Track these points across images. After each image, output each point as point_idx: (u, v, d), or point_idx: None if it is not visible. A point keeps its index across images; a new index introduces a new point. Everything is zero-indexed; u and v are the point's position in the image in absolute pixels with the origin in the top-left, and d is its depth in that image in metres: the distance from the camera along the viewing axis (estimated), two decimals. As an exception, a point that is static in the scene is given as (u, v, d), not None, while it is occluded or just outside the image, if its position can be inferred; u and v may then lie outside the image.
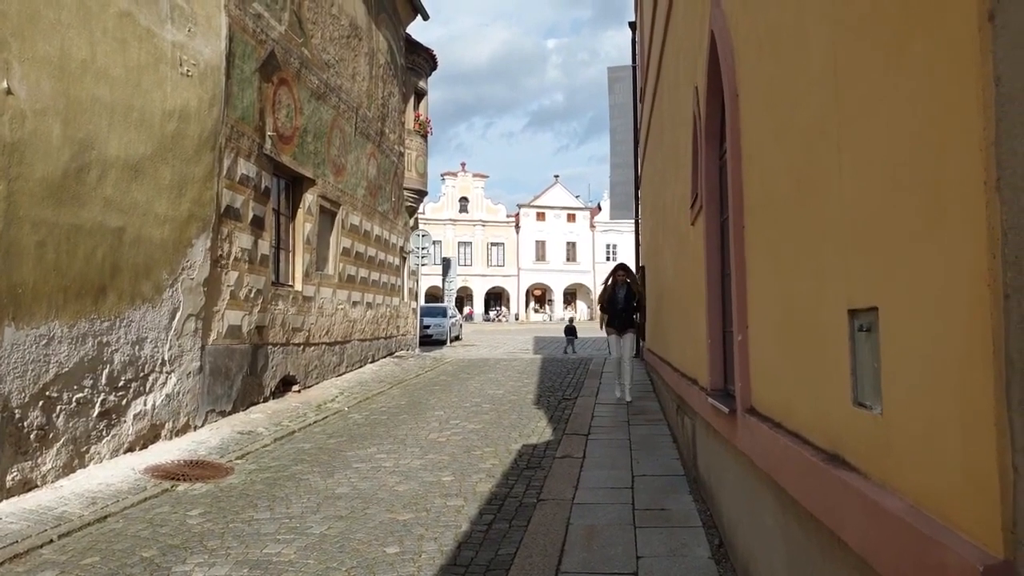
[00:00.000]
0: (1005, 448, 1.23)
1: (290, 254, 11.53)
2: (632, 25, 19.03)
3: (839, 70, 2.03)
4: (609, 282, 10.60)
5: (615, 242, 59.04)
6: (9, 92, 5.48)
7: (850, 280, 1.99)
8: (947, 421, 1.44)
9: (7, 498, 5.44)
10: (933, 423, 1.50)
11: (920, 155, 1.52)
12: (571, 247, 61.72)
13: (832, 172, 2.12)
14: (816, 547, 2.37)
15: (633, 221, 20.07)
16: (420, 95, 19.68)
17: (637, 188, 18.17)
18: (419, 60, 19.26)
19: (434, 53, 19.77)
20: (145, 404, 7.30)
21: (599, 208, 60.92)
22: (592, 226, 61.59)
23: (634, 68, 18.64)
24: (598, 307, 10.96)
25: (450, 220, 58.34)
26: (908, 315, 1.62)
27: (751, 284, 3.50)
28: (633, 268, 19.54)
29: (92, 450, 6.49)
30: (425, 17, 18.69)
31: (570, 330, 23.29)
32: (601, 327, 11.22)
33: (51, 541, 4.76)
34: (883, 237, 1.74)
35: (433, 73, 20.40)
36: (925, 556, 1.46)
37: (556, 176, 65.11)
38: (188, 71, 7.97)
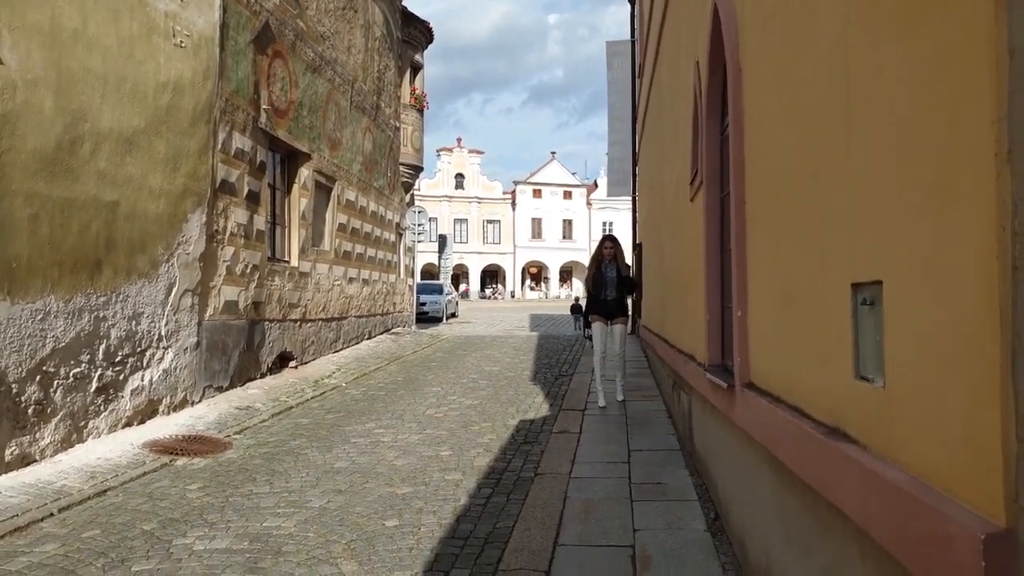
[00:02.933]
0: (1009, 419, 1.23)
1: (286, 230, 11.49)
2: (630, -1, 18.84)
3: (849, 42, 2.02)
4: (596, 258, 8.59)
5: (612, 219, 58.89)
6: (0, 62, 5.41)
7: (854, 254, 1.99)
8: (951, 393, 1.44)
9: (6, 472, 5.45)
10: (937, 395, 1.51)
11: (930, 127, 1.52)
12: (567, 224, 61.61)
13: (839, 146, 2.11)
14: (813, 519, 2.39)
15: (630, 198, 20.02)
16: (416, 69, 19.52)
17: (635, 165, 18.11)
18: (415, 33, 19.08)
19: (430, 26, 19.59)
20: (142, 379, 7.30)
21: (596, 185, 60.74)
22: (589, 203, 61.45)
23: (633, 43, 18.49)
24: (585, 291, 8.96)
25: (446, 197, 58.12)
26: (913, 289, 1.62)
27: (751, 260, 3.50)
28: (629, 245, 19.46)
29: (90, 425, 6.50)
30: (421, -10, 18.48)
31: (577, 308, 23.37)
32: (578, 314, 9.50)
33: (52, 515, 4.78)
34: (890, 211, 1.73)
35: (430, 47, 20.23)
36: (927, 526, 1.47)
37: (553, 153, 64.76)
38: (181, 42, 7.87)
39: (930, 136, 1.51)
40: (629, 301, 9.67)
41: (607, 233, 9.29)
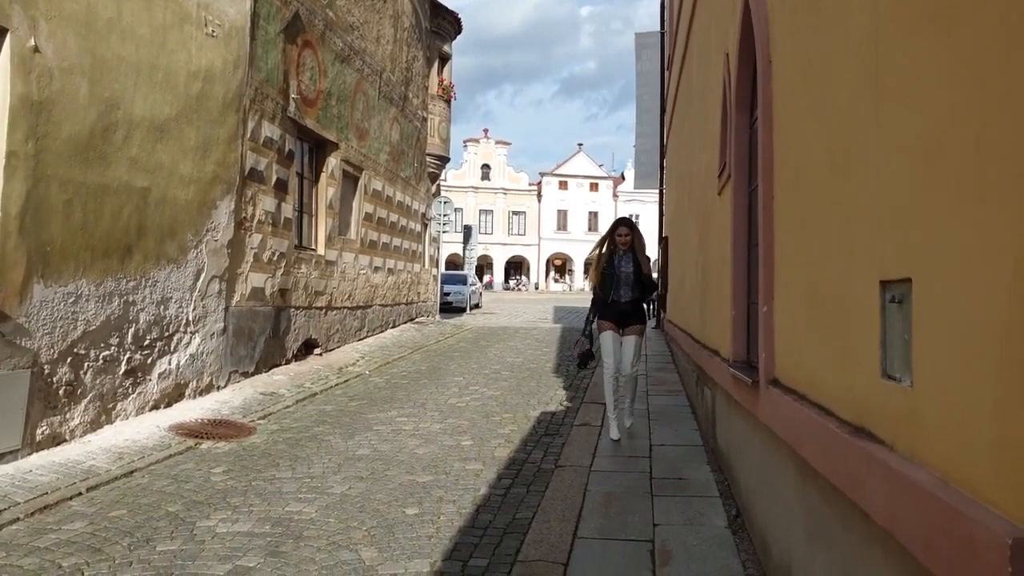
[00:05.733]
0: (1041, 422, 1.20)
1: (313, 218, 11.57)
2: (661, -9, 18.66)
3: (881, 35, 1.97)
4: (604, 248, 6.49)
5: (638, 212, 58.38)
6: (36, 50, 5.49)
7: (883, 251, 1.96)
8: (981, 394, 1.41)
9: (37, 451, 5.57)
10: (966, 396, 1.48)
11: (965, 124, 1.48)
12: (593, 216, 61.35)
13: (869, 141, 2.07)
14: (837, 518, 2.36)
15: (657, 191, 19.90)
16: (444, 59, 19.52)
17: (662, 158, 17.98)
18: (444, 24, 19.08)
19: (459, 16, 19.57)
20: (170, 363, 7.41)
21: (622, 178, 60.43)
22: (615, 196, 61.14)
23: (663, 35, 18.33)
24: (592, 290, 6.75)
25: (472, 187, 58.15)
26: (944, 287, 1.58)
27: (778, 255, 3.46)
28: (655, 238, 19.21)
29: (118, 407, 6.62)
30: (451, -20, 18.47)
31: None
32: (590, 321, 6.74)
33: (80, 494, 4.88)
34: (920, 207, 1.70)
35: (459, 38, 20.24)
36: (952, 528, 1.44)
37: (580, 145, 64.43)
38: (213, 31, 7.94)
39: (965, 130, 1.47)
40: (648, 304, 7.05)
41: (622, 216, 7.07)
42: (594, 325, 6.66)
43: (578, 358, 6.84)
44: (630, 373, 6.34)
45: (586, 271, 61.17)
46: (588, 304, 6.83)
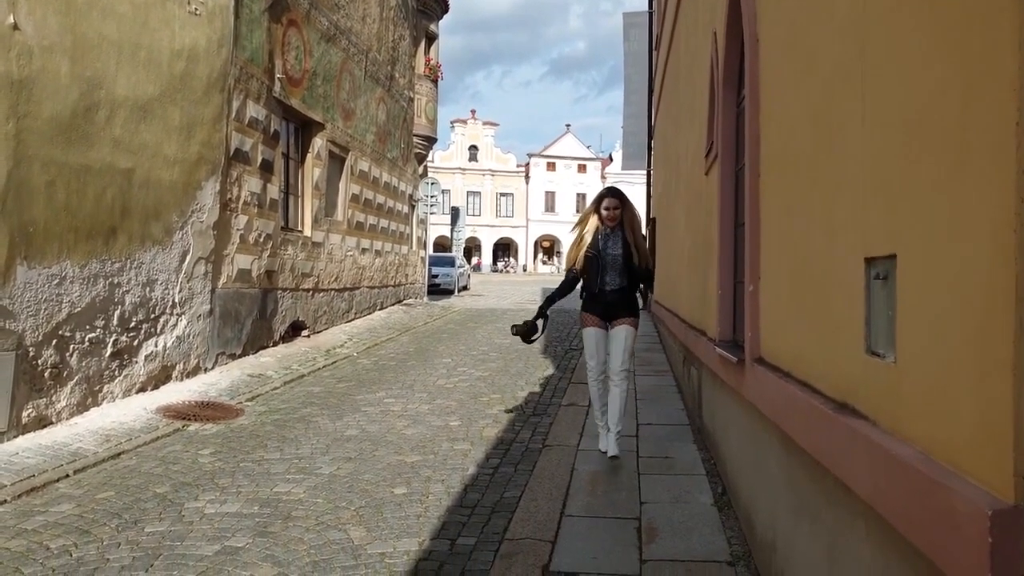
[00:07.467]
0: (1021, 395, 1.22)
1: (299, 199, 11.50)
2: (649, -30, 18.53)
3: (865, 9, 1.97)
4: (589, 226, 5.24)
5: (626, 193, 58.38)
6: (16, 27, 5.40)
7: (868, 228, 1.96)
8: (963, 368, 1.43)
9: (23, 434, 5.54)
10: (948, 370, 1.49)
11: (948, 97, 1.48)
12: (581, 198, 61.21)
13: (854, 117, 2.07)
14: (821, 494, 2.39)
15: (645, 172, 19.87)
16: (431, 39, 19.36)
17: (650, 138, 17.95)
18: (430, 3, 18.90)
19: (446, -5, 19.40)
20: (156, 345, 7.37)
21: (610, 159, 60.32)
22: (603, 177, 61.00)
23: (650, 14, 18.23)
24: (567, 270, 5.44)
25: (459, 169, 57.90)
26: (928, 262, 1.59)
27: (764, 234, 3.47)
28: (643, 217, 19.12)
29: (105, 389, 6.58)
30: (437, -42, 18.26)
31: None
32: (550, 300, 5.48)
33: (67, 476, 4.86)
34: (905, 183, 1.70)
35: (447, 17, 20.08)
36: (934, 502, 1.46)
37: (568, 126, 64.32)
38: (196, 10, 7.83)
39: (947, 104, 1.47)
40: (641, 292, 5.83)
41: (611, 186, 5.81)
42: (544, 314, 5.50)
43: (517, 331, 5.53)
44: (620, 371, 5.12)
45: (574, 253, 60.96)
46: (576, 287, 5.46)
